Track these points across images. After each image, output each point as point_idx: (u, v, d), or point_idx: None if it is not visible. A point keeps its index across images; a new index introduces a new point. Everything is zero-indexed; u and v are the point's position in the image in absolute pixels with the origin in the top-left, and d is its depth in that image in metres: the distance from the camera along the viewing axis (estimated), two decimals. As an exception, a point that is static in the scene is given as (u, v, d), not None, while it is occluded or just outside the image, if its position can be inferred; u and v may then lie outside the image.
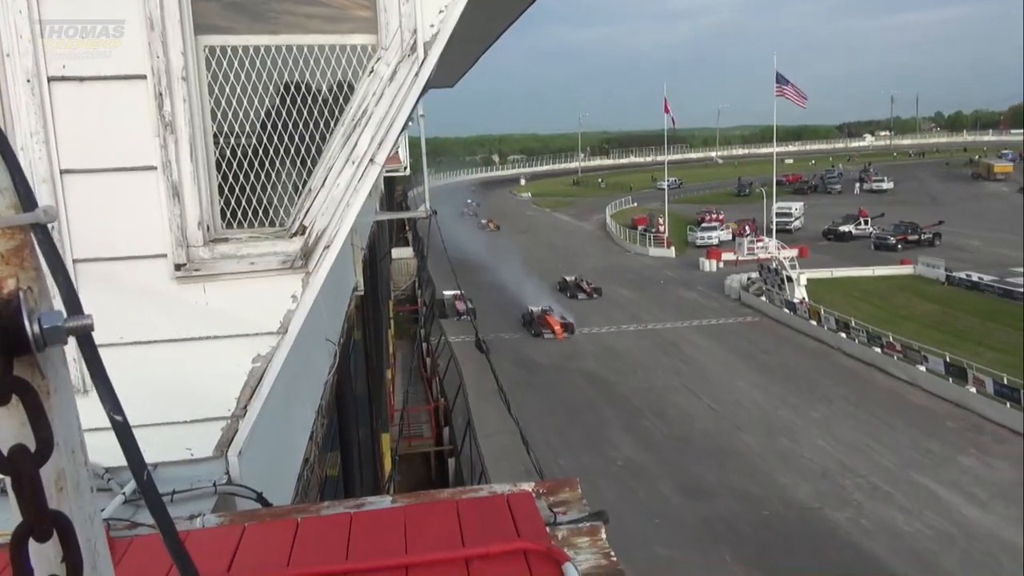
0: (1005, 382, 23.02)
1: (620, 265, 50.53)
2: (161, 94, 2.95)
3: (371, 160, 3.35)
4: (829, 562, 14.66)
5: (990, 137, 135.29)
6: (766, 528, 16.41)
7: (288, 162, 3.36)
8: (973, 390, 23.87)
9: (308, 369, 5.28)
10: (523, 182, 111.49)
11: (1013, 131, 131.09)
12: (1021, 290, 34.95)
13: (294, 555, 2.63)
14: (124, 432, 0.97)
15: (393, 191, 39.05)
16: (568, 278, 42.96)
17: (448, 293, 34.84)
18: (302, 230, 3.29)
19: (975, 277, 38.80)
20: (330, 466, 7.87)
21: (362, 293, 10.13)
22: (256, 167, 3.31)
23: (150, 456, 3.25)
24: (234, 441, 3.30)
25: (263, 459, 3.65)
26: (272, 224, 3.33)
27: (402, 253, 37.69)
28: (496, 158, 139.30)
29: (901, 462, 19.48)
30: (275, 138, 3.31)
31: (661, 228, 56.31)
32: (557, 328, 32.71)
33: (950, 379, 24.85)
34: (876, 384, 26.45)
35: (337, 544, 2.67)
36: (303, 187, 3.34)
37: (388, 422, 16.13)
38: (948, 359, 25.31)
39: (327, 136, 3.33)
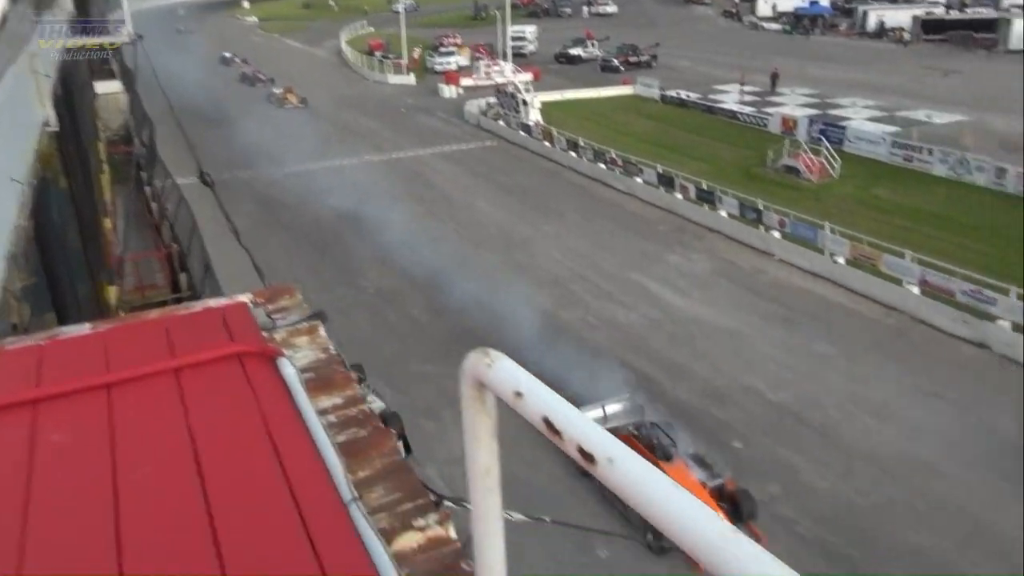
0: (704, 187, 26.34)
1: (360, 94, 48.80)
2: None
3: (6, -58, 2.82)
4: (559, 352, 16.47)
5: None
6: (507, 332, 17.79)
7: None
8: (679, 196, 27.09)
9: (-16, 209, 4.63)
10: (247, 4, 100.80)
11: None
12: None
13: (-29, 391, 2.41)
14: None
15: (89, 13, 33.45)
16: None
17: None
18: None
19: (684, 95, 42.79)
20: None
21: (56, 130, 8.87)
22: None
23: None
24: None
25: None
26: None
27: (109, 87, 32.94)
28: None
29: (620, 264, 21.93)
30: None
31: (415, 56, 54.66)
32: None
33: (661, 188, 27.90)
34: (601, 197, 28.98)
35: (25, 375, 2.49)
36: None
37: (114, 274, 14.81)
38: (660, 170, 28.24)
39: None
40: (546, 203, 27.99)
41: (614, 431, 11.46)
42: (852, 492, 13.22)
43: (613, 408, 14.12)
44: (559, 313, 19.20)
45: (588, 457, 0.94)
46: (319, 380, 2.71)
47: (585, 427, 0.97)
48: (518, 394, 1.04)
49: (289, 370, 2.61)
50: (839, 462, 13.99)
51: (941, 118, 36.57)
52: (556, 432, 0.98)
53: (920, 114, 37.53)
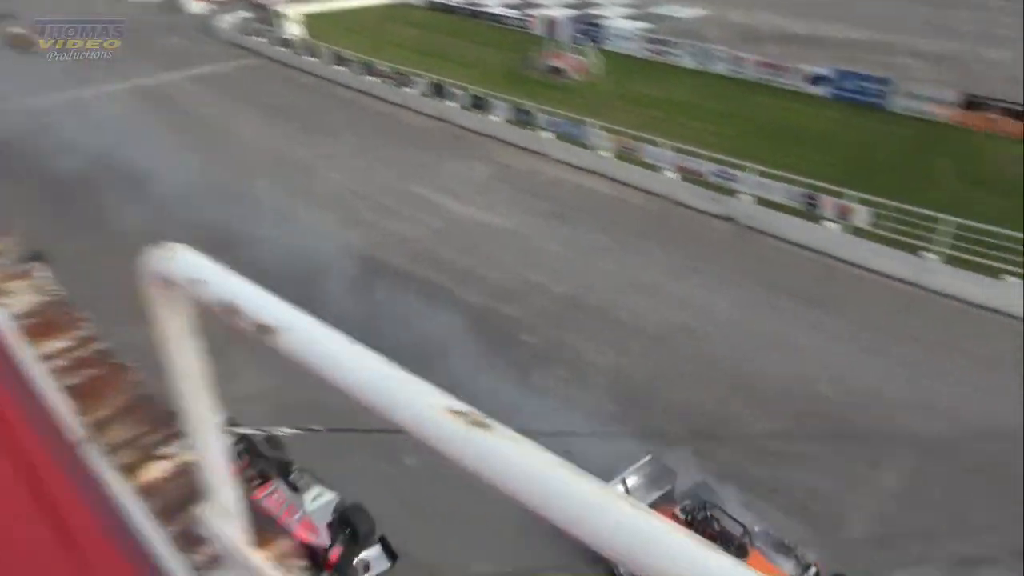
0: (476, 93, 26.47)
1: (87, 12, 42.92)
2: None
3: None
4: (351, 277, 16.22)
5: None
6: (301, 259, 17.11)
7: None
8: (453, 104, 27.06)
9: None
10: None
11: None
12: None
13: None
14: None
15: None
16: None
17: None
18: None
19: (450, 1, 42.16)
20: None
21: None
22: None
23: None
24: None
25: None
26: None
27: None
28: None
29: (400, 177, 21.72)
30: None
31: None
32: None
33: (434, 97, 27.68)
34: (374, 111, 28.25)
35: None
36: None
37: None
38: (431, 79, 27.93)
39: None
40: (318, 122, 26.81)
41: None
42: (628, 364, 14.53)
43: (634, 480, 10.86)
44: (344, 234, 18.78)
45: (267, 330, 0.93)
46: (43, 324, 2.47)
47: (263, 300, 0.96)
48: (200, 281, 1.00)
49: (-2, 317, 2.34)
50: (617, 340, 15.24)
51: (685, 12, 39.20)
52: (235, 312, 0.96)
53: (668, 9, 39.97)
